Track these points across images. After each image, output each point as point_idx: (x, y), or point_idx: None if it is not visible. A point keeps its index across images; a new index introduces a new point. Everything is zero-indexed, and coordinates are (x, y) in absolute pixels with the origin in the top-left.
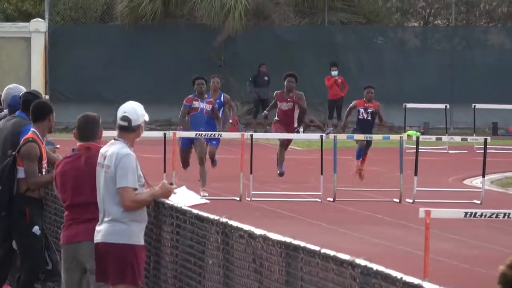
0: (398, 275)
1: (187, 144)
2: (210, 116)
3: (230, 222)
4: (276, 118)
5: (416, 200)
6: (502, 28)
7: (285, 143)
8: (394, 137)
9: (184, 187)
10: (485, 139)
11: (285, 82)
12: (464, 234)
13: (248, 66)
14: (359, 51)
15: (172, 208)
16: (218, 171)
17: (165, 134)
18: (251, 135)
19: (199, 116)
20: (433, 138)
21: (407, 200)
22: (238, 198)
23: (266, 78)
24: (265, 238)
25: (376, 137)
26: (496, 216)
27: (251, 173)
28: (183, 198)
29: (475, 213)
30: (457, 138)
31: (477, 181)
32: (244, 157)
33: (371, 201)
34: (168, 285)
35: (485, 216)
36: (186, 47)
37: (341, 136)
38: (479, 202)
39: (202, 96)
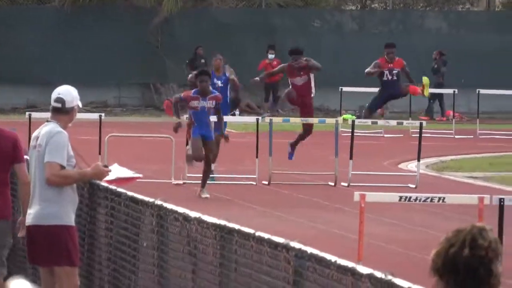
0: (332, 258)
1: (199, 135)
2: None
3: (165, 204)
4: (292, 90)
5: (351, 184)
6: (439, 12)
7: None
8: (330, 120)
9: (116, 164)
10: (421, 123)
11: (292, 59)
12: (398, 218)
13: (185, 48)
14: (297, 34)
15: (107, 190)
16: (154, 153)
17: (100, 116)
18: (187, 117)
19: (201, 113)
20: (368, 122)
21: (342, 183)
22: (172, 181)
23: (203, 60)
24: (199, 221)
25: (311, 120)
26: (431, 200)
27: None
28: (116, 173)
29: (410, 197)
30: (393, 122)
31: (412, 165)
32: (179, 140)
33: (306, 184)
34: (102, 267)
35: (420, 200)
36: (123, 29)
37: (277, 119)
38: (414, 186)
39: (206, 93)
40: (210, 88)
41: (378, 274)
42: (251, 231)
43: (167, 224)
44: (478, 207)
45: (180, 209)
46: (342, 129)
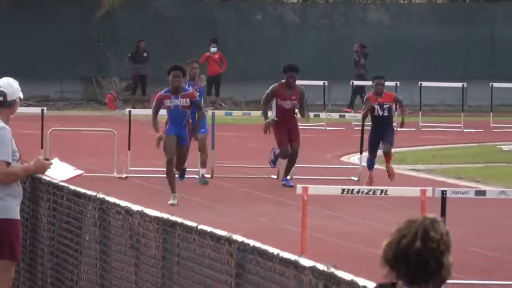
0: (275, 251)
1: (174, 132)
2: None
3: (107, 198)
4: (275, 118)
5: (294, 177)
6: (381, 5)
7: (287, 140)
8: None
9: (56, 159)
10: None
11: (286, 77)
12: (341, 211)
13: (127, 42)
14: (239, 27)
15: (49, 184)
16: (96, 147)
17: (42, 110)
18: (129, 111)
19: (175, 113)
20: (311, 114)
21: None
22: (114, 174)
23: (145, 54)
24: (142, 214)
25: (254, 113)
26: (373, 193)
27: (129, 149)
28: (58, 171)
29: (352, 190)
30: (335, 115)
31: (354, 158)
32: (122, 133)
33: (249, 177)
34: (45, 261)
35: (362, 193)
36: (65, 23)
37: (219, 113)
38: (356, 179)
39: (177, 91)
40: (187, 85)
41: (321, 267)
42: (193, 224)
43: (109, 218)
44: (421, 199)
45: (123, 203)
46: None
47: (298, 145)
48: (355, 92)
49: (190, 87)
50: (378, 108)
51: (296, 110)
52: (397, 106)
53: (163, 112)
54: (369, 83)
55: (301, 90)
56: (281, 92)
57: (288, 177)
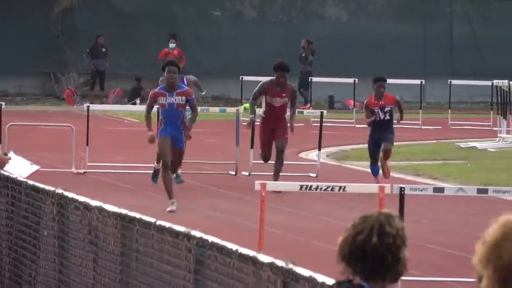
0: (234, 247)
1: (168, 134)
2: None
3: (66, 193)
4: (262, 114)
5: (252, 173)
6: (339, 1)
7: (270, 140)
8: (231, 109)
9: (12, 153)
10: (321, 112)
11: (276, 77)
12: (299, 207)
13: (86, 37)
14: (198, 23)
15: (7, 179)
16: (55, 142)
17: (0, 105)
18: (88, 107)
19: (170, 112)
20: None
21: (243, 172)
22: (73, 170)
23: (103, 49)
24: (100, 210)
25: (212, 110)
26: (332, 189)
27: (87, 144)
28: (16, 166)
29: (311, 186)
30: None
31: (312, 154)
32: (80, 128)
33: (207, 173)
34: (3, 256)
35: (320, 189)
36: (24, 18)
37: None
38: (314, 175)
39: (173, 88)
40: (181, 82)
41: (279, 263)
42: (152, 220)
43: (68, 213)
44: (379, 196)
45: (81, 198)
46: (243, 118)
47: (283, 142)
48: (299, 88)
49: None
50: (380, 112)
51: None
52: (400, 108)
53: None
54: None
55: (293, 88)
56: (271, 88)
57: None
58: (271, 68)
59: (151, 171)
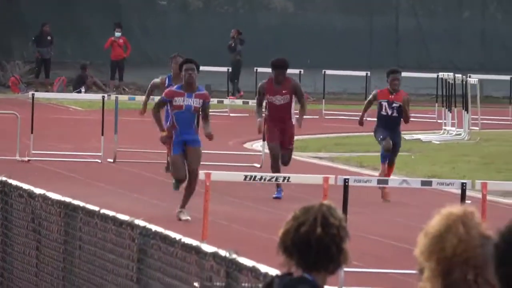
0: (177, 236)
1: (180, 147)
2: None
3: (9, 181)
4: (266, 115)
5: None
6: None
7: (280, 147)
8: None
9: None
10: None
11: (274, 75)
12: (243, 197)
13: (31, 25)
14: (143, 12)
15: None
16: None
17: None
18: (33, 95)
19: (186, 115)
20: (215, 101)
21: None
22: (17, 157)
23: (49, 38)
24: (44, 198)
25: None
26: (276, 180)
27: (31, 132)
28: None
29: (255, 176)
30: (239, 102)
31: (257, 145)
32: (25, 116)
33: (151, 162)
34: None
35: (265, 180)
36: None
37: (123, 98)
38: (259, 165)
39: (191, 88)
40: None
41: (223, 253)
42: (95, 208)
43: (11, 201)
44: (323, 187)
45: (25, 186)
46: None
47: (289, 153)
48: (232, 79)
49: (173, 86)
50: (386, 106)
51: (296, 111)
52: (404, 108)
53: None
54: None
55: (294, 83)
56: (270, 87)
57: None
58: (217, 58)
59: (95, 160)
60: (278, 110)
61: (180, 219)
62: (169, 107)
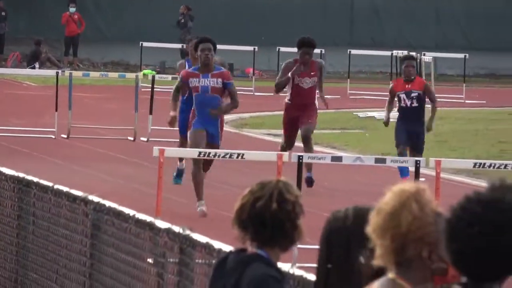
0: (131, 212)
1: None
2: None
3: None
4: (288, 101)
5: (150, 139)
6: None
7: (295, 133)
8: (130, 75)
9: None
10: None
11: (300, 54)
12: None
13: None
14: None
15: None
16: None
17: None
18: None
19: (203, 96)
20: (169, 77)
21: (142, 138)
22: None
23: (3, 13)
24: None
25: (112, 75)
26: (230, 157)
27: None
28: None
29: (209, 153)
30: None
31: None
32: None
33: (105, 138)
34: None
35: (219, 156)
36: None
37: (77, 74)
38: None
39: (208, 68)
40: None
41: (176, 229)
42: (49, 184)
43: None
44: (277, 164)
45: None
46: (142, 84)
47: (308, 127)
48: (182, 56)
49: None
50: (405, 97)
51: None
52: (429, 95)
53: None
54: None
55: (320, 63)
56: (297, 68)
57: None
58: (171, 34)
59: (48, 136)
60: (304, 94)
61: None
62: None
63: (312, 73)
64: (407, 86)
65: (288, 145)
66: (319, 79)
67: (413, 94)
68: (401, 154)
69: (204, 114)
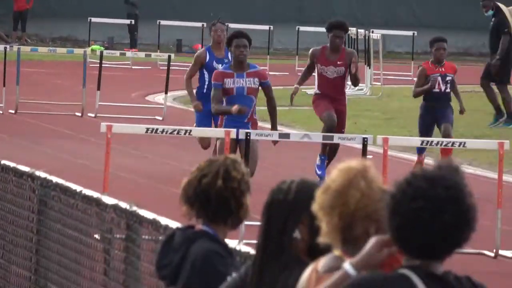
0: (78, 188)
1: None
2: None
3: None
4: (317, 91)
5: (98, 115)
6: None
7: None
8: (78, 51)
9: None
10: (169, 56)
11: (330, 37)
12: (145, 150)
13: None
14: None
15: None
16: None
17: None
18: None
19: (238, 98)
20: (117, 53)
21: (89, 114)
22: None
23: None
24: None
25: (60, 51)
26: (178, 133)
27: None
28: None
29: (157, 129)
30: (141, 54)
31: (159, 98)
32: None
33: (53, 114)
34: None
35: (166, 132)
36: None
37: (25, 49)
38: (161, 118)
39: (242, 67)
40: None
41: (123, 205)
42: None
43: None
44: (225, 141)
45: None
46: (90, 60)
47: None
48: (131, 31)
49: (216, 63)
50: (440, 81)
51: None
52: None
53: None
54: (168, 22)
55: (351, 52)
56: (323, 56)
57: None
58: (118, 11)
59: None
60: (330, 85)
61: None
62: (205, 75)
63: (338, 63)
64: (440, 69)
65: (329, 122)
66: (351, 70)
67: (448, 78)
68: (420, 149)
69: (235, 119)
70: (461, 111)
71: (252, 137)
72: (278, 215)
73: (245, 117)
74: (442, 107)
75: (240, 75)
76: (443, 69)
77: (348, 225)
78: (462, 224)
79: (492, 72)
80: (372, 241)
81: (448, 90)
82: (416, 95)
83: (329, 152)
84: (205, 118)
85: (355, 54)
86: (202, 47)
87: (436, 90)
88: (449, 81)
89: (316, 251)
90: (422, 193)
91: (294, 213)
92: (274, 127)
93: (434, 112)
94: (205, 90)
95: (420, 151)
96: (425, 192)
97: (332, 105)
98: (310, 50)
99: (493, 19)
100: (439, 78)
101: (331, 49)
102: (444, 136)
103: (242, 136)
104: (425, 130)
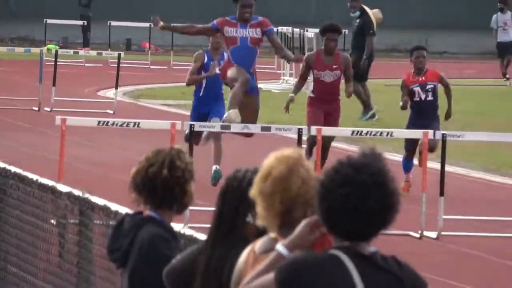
0: (34, 177)
1: None
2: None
3: None
4: (311, 94)
5: (54, 109)
6: None
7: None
8: (35, 50)
9: None
10: (119, 54)
11: (324, 41)
12: (97, 142)
13: None
14: None
15: None
16: None
17: None
18: None
19: (242, 49)
20: (71, 52)
21: (46, 108)
22: None
23: None
24: None
25: (18, 50)
26: (127, 125)
27: None
28: None
29: (108, 122)
30: (93, 53)
31: (110, 93)
32: None
33: (12, 108)
34: None
35: (117, 125)
36: None
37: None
38: (112, 112)
39: (246, 20)
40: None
41: (76, 193)
42: None
43: None
44: (171, 132)
45: None
46: (46, 58)
47: (331, 138)
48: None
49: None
50: (420, 90)
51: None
52: (445, 84)
53: None
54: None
55: (345, 57)
56: (318, 60)
57: None
58: (71, 11)
59: None
60: (327, 89)
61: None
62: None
63: (334, 67)
64: (420, 78)
65: (312, 139)
66: (346, 75)
67: (429, 86)
68: (408, 157)
69: (246, 68)
70: (446, 117)
71: (196, 128)
72: (232, 201)
73: (251, 66)
74: (427, 115)
75: (243, 26)
76: (423, 78)
77: (288, 210)
78: (386, 207)
79: (360, 71)
80: (303, 223)
81: (430, 98)
82: (402, 107)
83: (322, 152)
84: (201, 104)
85: (349, 58)
86: (150, 46)
87: (417, 99)
88: (430, 90)
89: (264, 235)
90: (349, 179)
91: (247, 200)
92: (287, 56)
93: (420, 119)
94: (201, 94)
95: (407, 170)
96: (352, 178)
97: (325, 107)
98: (305, 56)
99: (358, 20)
100: (418, 88)
101: (325, 53)
102: (429, 148)
103: (187, 128)
104: (408, 144)
